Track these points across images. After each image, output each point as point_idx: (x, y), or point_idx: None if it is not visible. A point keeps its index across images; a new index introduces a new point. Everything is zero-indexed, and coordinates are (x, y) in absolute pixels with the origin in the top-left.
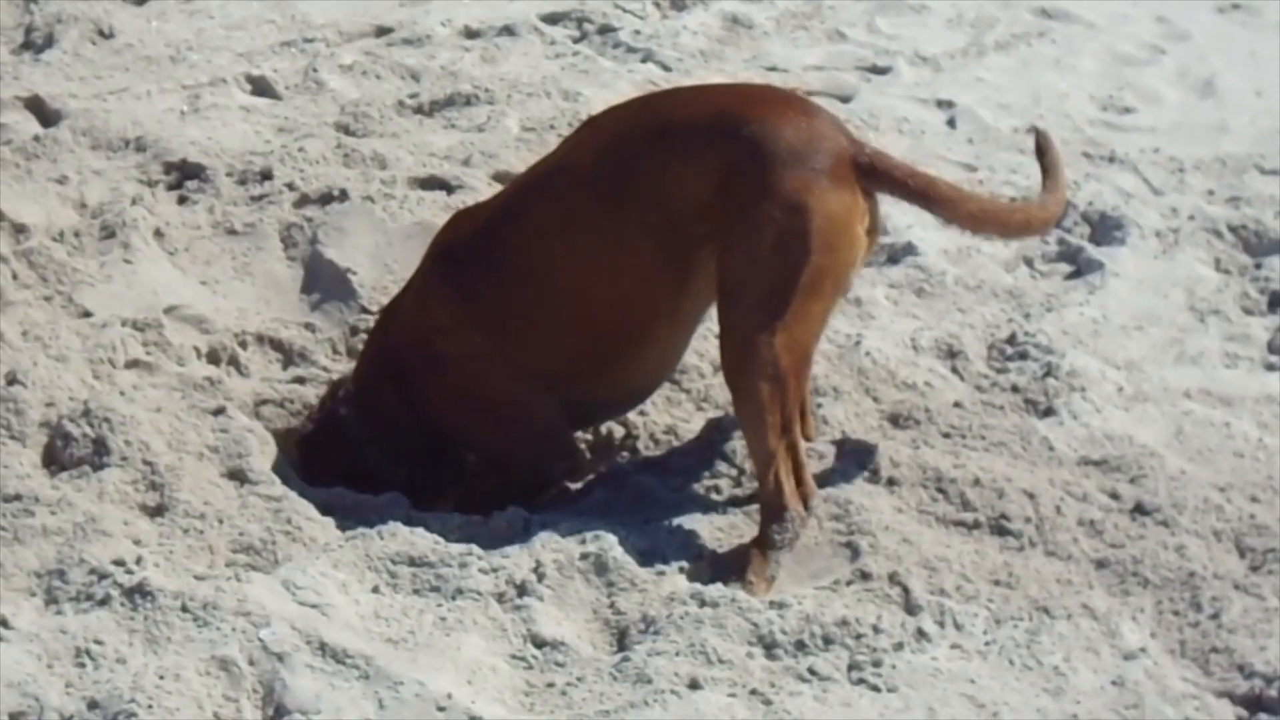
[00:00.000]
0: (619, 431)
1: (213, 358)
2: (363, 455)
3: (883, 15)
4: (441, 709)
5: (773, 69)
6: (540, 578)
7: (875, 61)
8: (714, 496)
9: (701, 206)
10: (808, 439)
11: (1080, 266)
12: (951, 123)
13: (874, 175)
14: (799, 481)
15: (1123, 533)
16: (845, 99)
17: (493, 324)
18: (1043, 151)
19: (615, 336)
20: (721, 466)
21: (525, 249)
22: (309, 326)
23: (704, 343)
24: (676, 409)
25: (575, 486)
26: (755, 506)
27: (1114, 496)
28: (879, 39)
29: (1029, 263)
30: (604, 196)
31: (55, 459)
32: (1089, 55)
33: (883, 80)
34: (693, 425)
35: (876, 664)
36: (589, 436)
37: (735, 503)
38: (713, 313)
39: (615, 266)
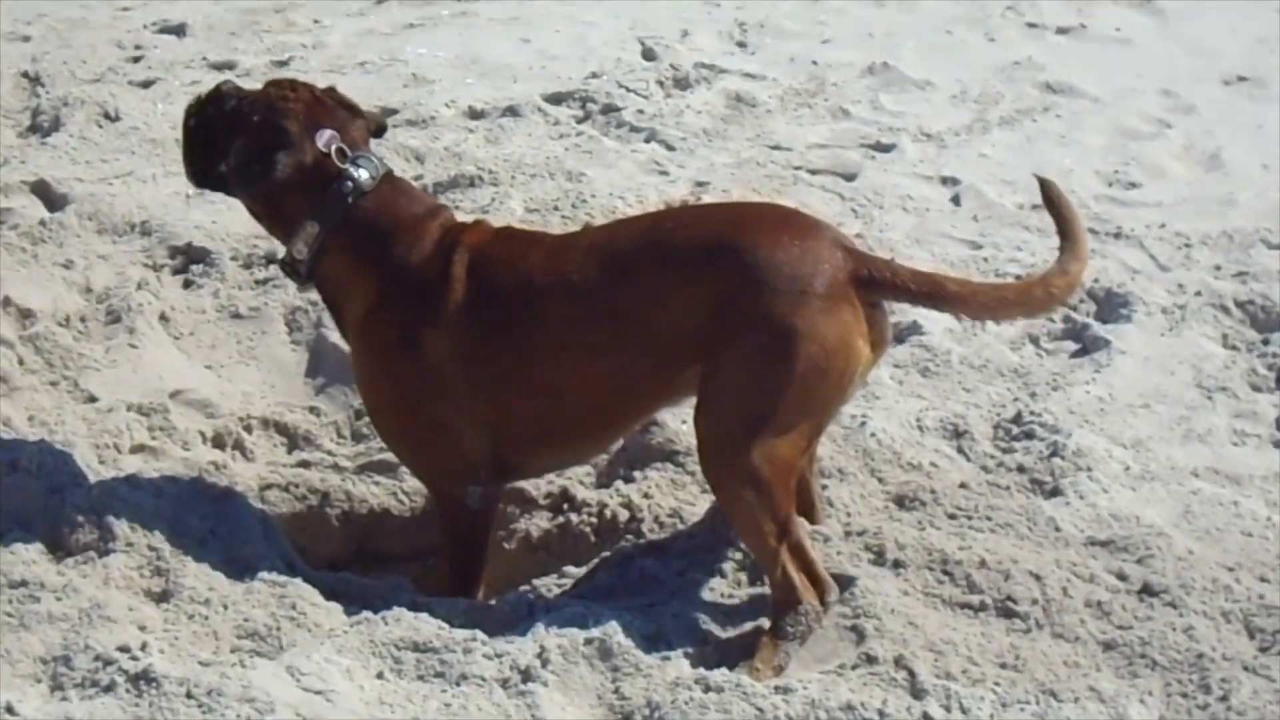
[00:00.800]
0: (623, 515)
1: (218, 442)
2: None
3: (886, 92)
4: None
5: (776, 147)
6: (544, 663)
7: (879, 139)
8: (718, 580)
9: (691, 331)
10: (814, 524)
11: (1086, 344)
12: (956, 200)
13: (877, 286)
14: (814, 578)
15: (1130, 614)
16: (849, 177)
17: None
18: (1053, 203)
19: (584, 421)
20: (726, 550)
21: (527, 314)
22: (314, 410)
23: None
24: (681, 491)
25: (579, 570)
26: (761, 590)
27: (1121, 577)
28: (883, 116)
29: (1034, 341)
30: (600, 307)
31: (61, 545)
32: (1094, 130)
33: (886, 158)
34: (697, 509)
35: None
36: (594, 520)
37: (739, 586)
38: None
39: (598, 369)
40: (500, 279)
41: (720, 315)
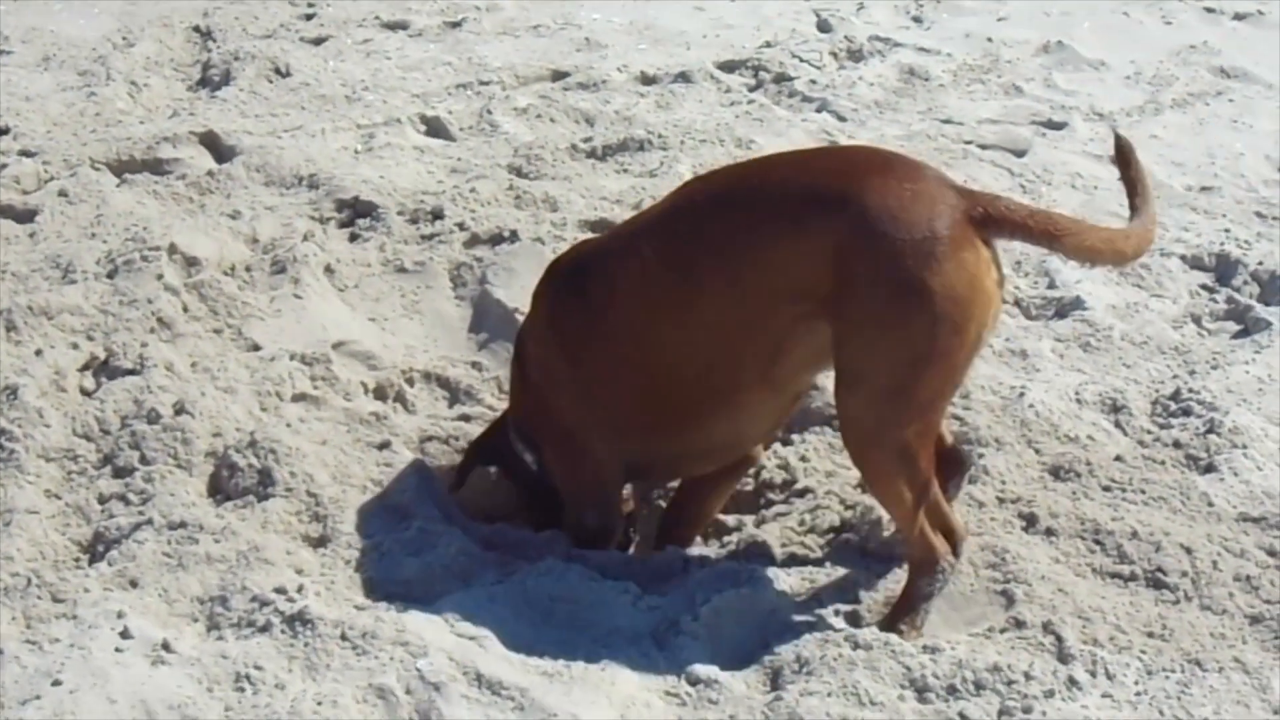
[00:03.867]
0: (780, 477)
1: (379, 394)
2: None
3: (1060, 71)
4: None
5: (947, 121)
6: (695, 617)
7: (1051, 116)
8: (869, 541)
9: (804, 285)
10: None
11: (1248, 325)
12: None
13: (993, 224)
14: (948, 529)
15: (1278, 589)
16: (1019, 153)
17: (576, 352)
18: (1126, 164)
19: (696, 394)
20: (876, 512)
21: (622, 288)
22: (476, 365)
23: None
24: (838, 455)
25: (734, 529)
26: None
27: (1271, 553)
28: (1056, 94)
29: (1196, 320)
30: (703, 258)
31: (221, 488)
32: (1266, 115)
33: (1057, 135)
34: (854, 473)
35: (1027, 710)
36: (750, 482)
37: (888, 548)
38: None
39: (705, 327)
40: (587, 252)
41: (841, 270)
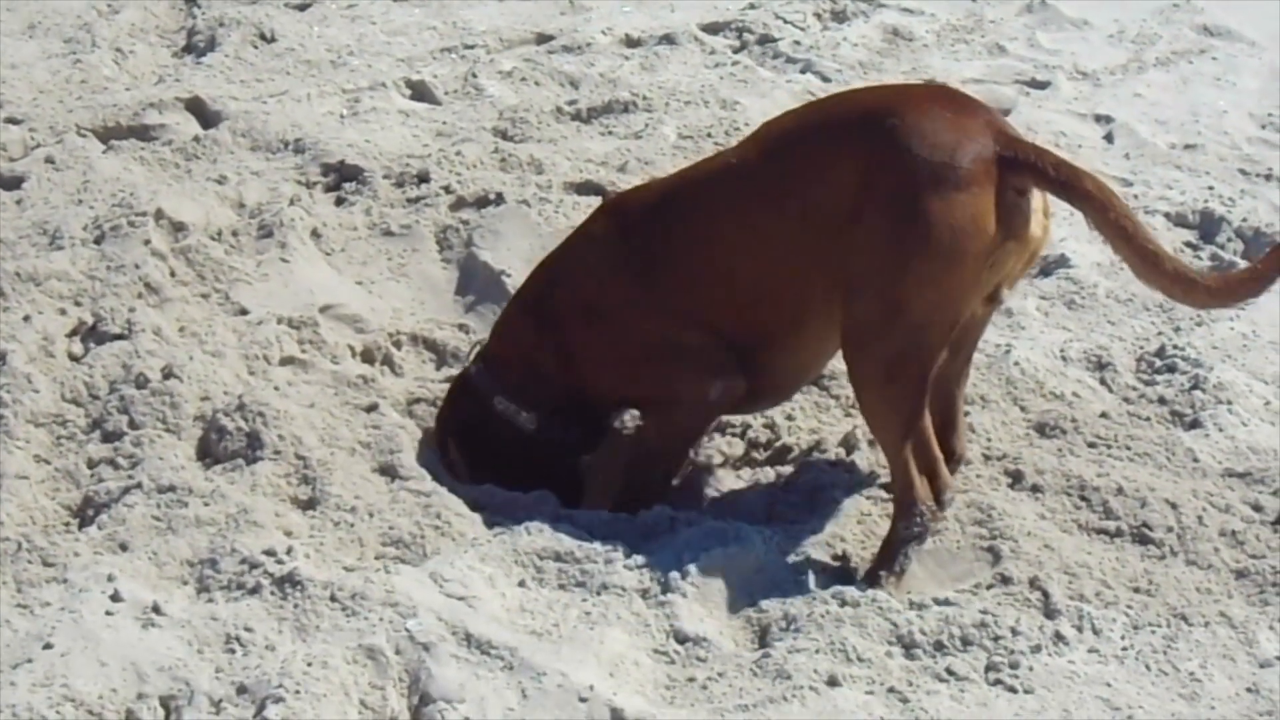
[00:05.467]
0: (765, 435)
1: (367, 356)
2: (494, 408)
3: (1044, 30)
4: (583, 700)
5: (930, 81)
6: (684, 575)
7: (1034, 75)
8: (856, 498)
9: (845, 201)
10: (957, 452)
11: None
12: (1109, 138)
13: (1019, 168)
14: (933, 475)
15: (1264, 544)
16: (1003, 112)
17: (653, 283)
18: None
19: (768, 326)
20: (865, 469)
21: (692, 224)
22: (462, 327)
23: None
24: (824, 414)
25: (720, 487)
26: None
27: (1256, 508)
28: (1039, 53)
29: None
30: (763, 188)
31: (209, 452)
32: (1250, 73)
33: (1041, 94)
34: (838, 429)
35: (1014, 666)
36: (737, 439)
37: (876, 504)
38: None
39: (770, 255)
40: (649, 199)
41: (866, 184)
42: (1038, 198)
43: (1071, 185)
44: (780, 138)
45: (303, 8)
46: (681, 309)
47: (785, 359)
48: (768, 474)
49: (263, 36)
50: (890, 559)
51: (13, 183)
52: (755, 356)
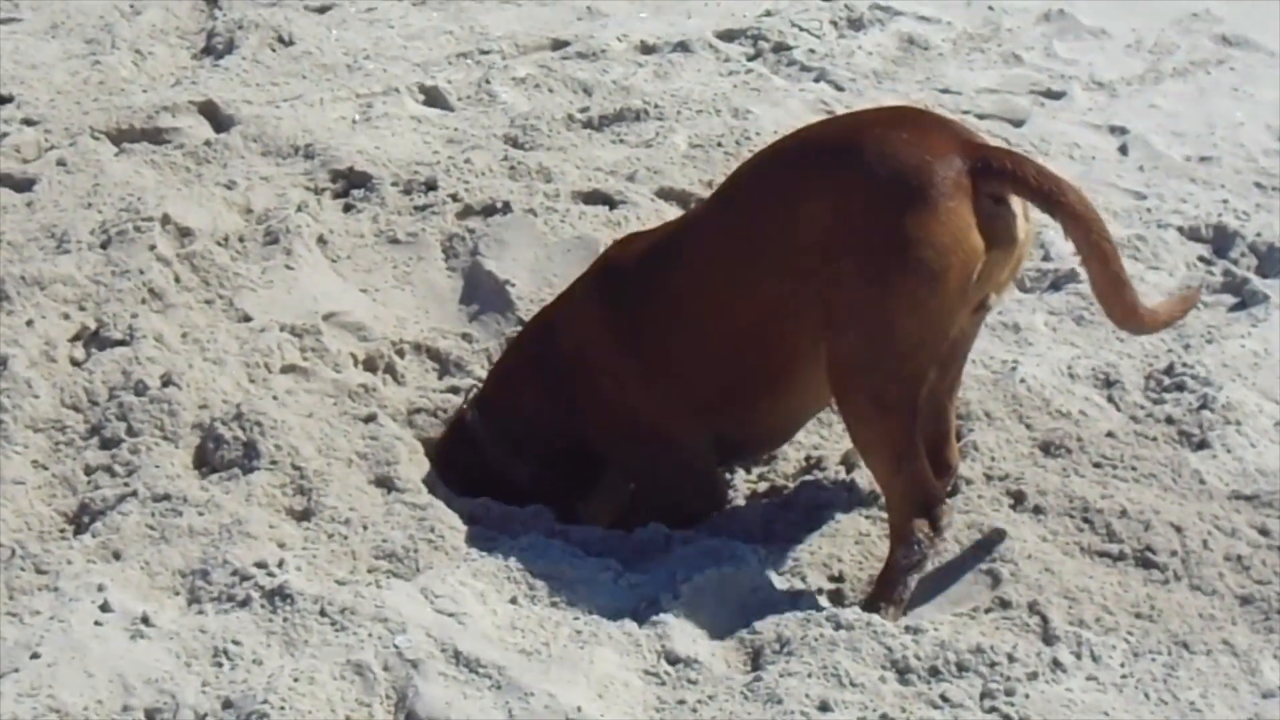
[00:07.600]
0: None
1: (369, 365)
2: (488, 457)
3: (1061, 39)
4: None
5: (945, 91)
6: (677, 594)
7: (1050, 86)
8: (852, 518)
9: (819, 241)
10: (951, 464)
11: (1244, 298)
12: (1123, 149)
13: (994, 176)
14: (930, 501)
15: (1270, 569)
16: (1017, 123)
17: (645, 348)
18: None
19: (758, 374)
20: (861, 488)
21: (681, 278)
22: (466, 337)
23: None
24: (824, 429)
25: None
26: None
27: (1263, 532)
28: (1055, 63)
29: None
30: (736, 239)
31: (206, 461)
32: (1268, 84)
33: (1056, 105)
34: (840, 446)
35: (1009, 693)
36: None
37: (874, 524)
38: None
39: (753, 304)
40: (640, 254)
41: (841, 215)
42: (1017, 202)
43: (1053, 197)
44: (746, 185)
45: (322, 10)
46: (669, 381)
47: (780, 404)
48: (764, 492)
49: (281, 39)
50: (890, 589)
51: (24, 185)
52: (750, 404)
